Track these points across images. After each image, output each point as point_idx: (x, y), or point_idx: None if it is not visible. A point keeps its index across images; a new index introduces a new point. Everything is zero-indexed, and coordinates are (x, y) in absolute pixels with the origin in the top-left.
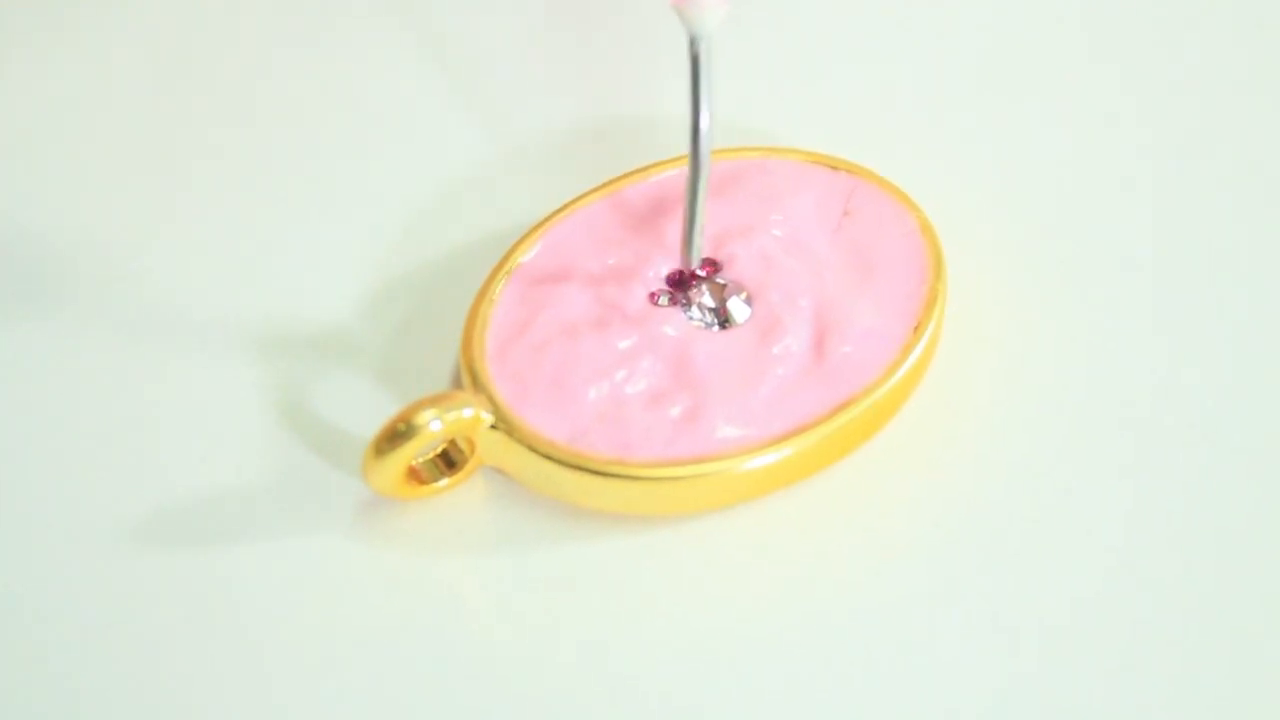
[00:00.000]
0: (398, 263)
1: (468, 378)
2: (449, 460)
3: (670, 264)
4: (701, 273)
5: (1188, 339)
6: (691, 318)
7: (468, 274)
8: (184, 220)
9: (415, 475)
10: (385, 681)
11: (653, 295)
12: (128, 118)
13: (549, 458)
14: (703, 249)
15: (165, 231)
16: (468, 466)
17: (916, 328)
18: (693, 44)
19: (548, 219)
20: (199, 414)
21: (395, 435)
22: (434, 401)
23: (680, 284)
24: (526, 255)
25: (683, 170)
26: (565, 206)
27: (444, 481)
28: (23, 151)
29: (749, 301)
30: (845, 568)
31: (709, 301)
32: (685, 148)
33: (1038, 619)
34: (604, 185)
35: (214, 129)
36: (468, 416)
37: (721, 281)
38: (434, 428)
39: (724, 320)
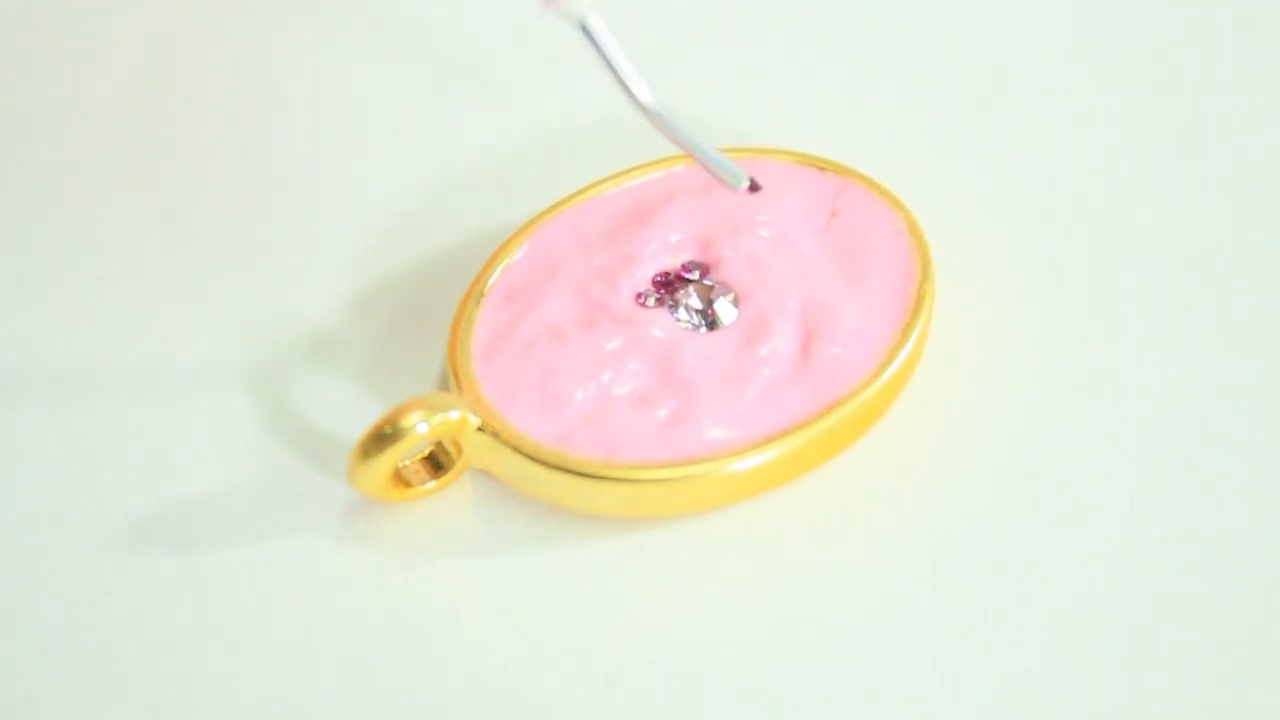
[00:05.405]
0: (384, 264)
1: (454, 380)
2: (436, 463)
3: (656, 265)
4: (688, 275)
5: (1177, 338)
6: (679, 319)
7: (454, 275)
8: (169, 221)
9: (401, 478)
10: (372, 685)
11: (639, 296)
12: (113, 117)
13: (535, 460)
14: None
15: (151, 232)
16: (455, 469)
17: (904, 329)
18: (584, 32)
19: (534, 220)
20: (184, 417)
21: (382, 438)
22: (421, 404)
23: (667, 285)
24: (513, 257)
25: (669, 173)
26: (552, 208)
27: (431, 484)
28: (10, 151)
29: (736, 303)
30: (834, 569)
31: (696, 303)
32: (671, 150)
33: (1029, 619)
34: (590, 186)
35: (199, 129)
36: (454, 419)
37: (709, 283)
38: (421, 430)
39: (711, 321)
